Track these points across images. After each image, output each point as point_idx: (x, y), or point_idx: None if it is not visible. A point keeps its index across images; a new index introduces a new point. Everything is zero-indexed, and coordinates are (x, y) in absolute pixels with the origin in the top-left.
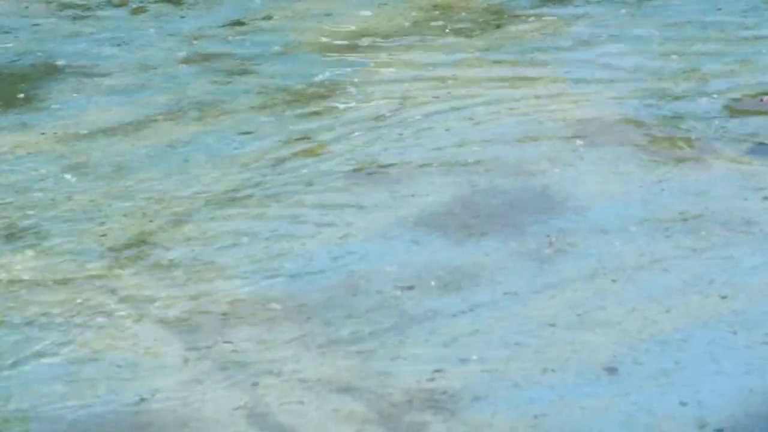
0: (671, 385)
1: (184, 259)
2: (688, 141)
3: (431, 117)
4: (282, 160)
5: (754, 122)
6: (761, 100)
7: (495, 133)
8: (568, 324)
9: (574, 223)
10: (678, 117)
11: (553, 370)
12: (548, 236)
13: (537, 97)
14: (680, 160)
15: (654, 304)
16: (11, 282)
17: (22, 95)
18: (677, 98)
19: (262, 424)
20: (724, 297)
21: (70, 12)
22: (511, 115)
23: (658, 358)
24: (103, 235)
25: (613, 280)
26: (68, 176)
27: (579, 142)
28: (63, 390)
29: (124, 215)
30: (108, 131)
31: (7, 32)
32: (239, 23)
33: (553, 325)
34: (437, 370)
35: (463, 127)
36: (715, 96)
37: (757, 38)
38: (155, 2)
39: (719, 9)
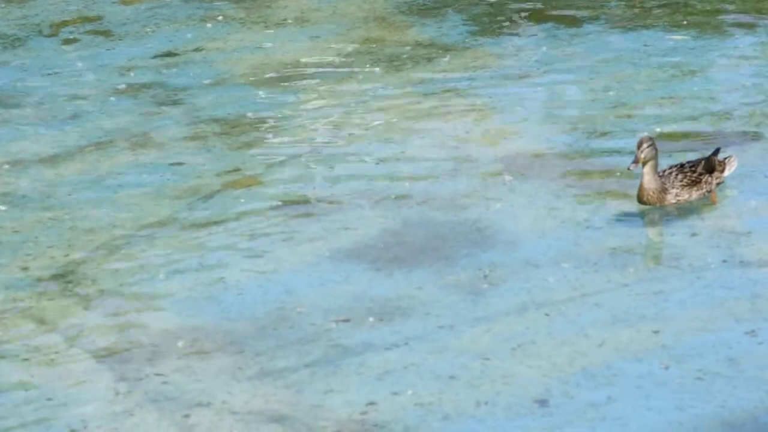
0: (601, 419)
1: (112, 289)
2: (617, 176)
3: (362, 150)
4: (213, 192)
5: (681, 157)
6: (629, 169)
7: (426, 167)
8: (500, 357)
9: (506, 256)
10: (607, 151)
11: (485, 403)
12: (481, 269)
13: (468, 130)
14: (610, 195)
15: (585, 338)
16: None
17: None
18: (606, 133)
19: None
20: (655, 332)
21: None
22: (443, 148)
23: (588, 392)
24: (30, 265)
25: (545, 314)
26: None
27: (510, 176)
28: None
29: (52, 245)
30: (37, 161)
31: None
32: (170, 54)
33: (485, 359)
34: (369, 403)
35: (394, 161)
36: (643, 131)
37: (684, 74)
38: (86, 33)
39: (647, 46)
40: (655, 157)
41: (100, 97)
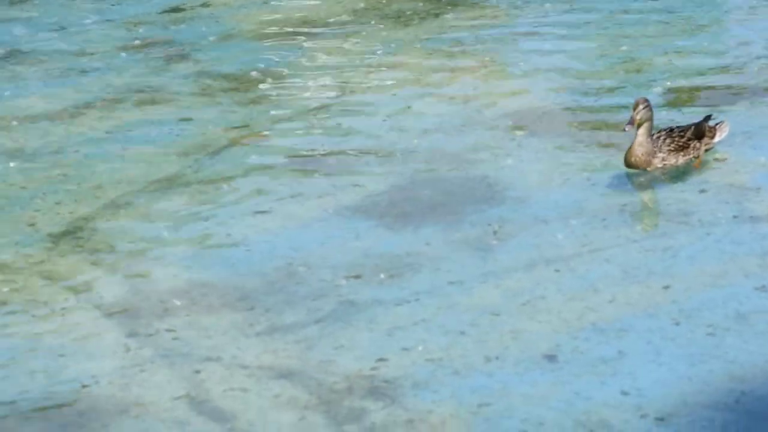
0: (611, 374)
1: (121, 245)
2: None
3: (370, 106)
4: (221, 148)
5: (691, 112)
6: (624, 130)
7: (434, 122)
8: (509, 312)
9: (515, 212)
10: (616, 107)
11: (495, 358)
12: (489, 225)
13: (476, 86)
14: (618, 151)
15: (594, 294)
16: None
17: None
18: (615, 88)
19: (203, 409)
20: (666, 287)
21: None
22: (451, 104)
23: (598, 347)
24: (39, 221)
25: (555, 270)
26: (6, 162)
27: (518, 131)
28: (2, 375)
29: (61, 202)
30: (45, 117)
31: None
32: (178, 10)
33: (494, 314)
34: (379, 359)
35: (402, 116)
36: (651, 86)
37: (693, 28)
38: None
39: (655, 0)
40: (650, 119)
41: (108, 52)
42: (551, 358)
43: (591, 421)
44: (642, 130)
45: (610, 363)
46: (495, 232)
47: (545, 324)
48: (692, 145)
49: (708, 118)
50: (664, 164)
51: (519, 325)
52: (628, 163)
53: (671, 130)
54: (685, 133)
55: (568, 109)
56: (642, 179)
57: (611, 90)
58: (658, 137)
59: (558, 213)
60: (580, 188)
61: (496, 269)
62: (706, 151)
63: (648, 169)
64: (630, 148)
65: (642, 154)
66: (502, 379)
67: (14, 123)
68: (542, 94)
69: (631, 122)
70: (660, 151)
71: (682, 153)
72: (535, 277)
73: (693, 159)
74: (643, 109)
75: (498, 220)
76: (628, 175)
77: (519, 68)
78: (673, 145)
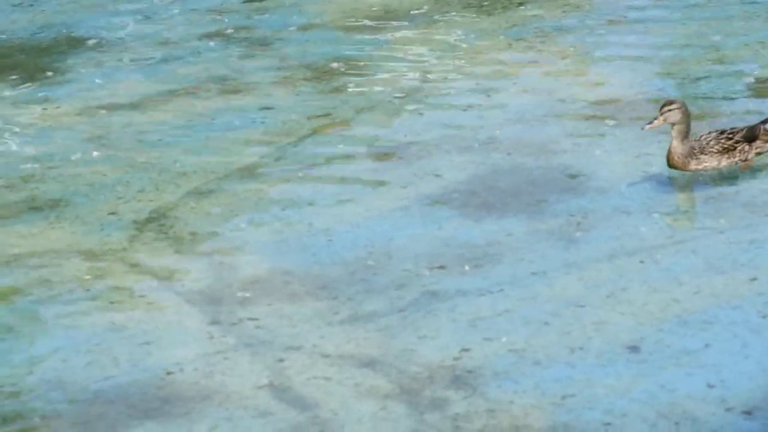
0: (696, 366)
1: (203, 233)
2: (710, 121)
3: (452, 95)
4: (302, 137)
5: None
6: (642, 129)
7: (516, 112)
8: (592, 304)
9: (597, 203)
10: (701, 97)
11: (579, 349)
12: (572, 216)
13: (558, 76)
14: None
15: (679, 285)
16: (33, 254)
17: (44, 68)
18: (700, 78)
19: (285, 398)
20: (752, 279)
21: None
22: (533, 94)
23: (682, 339)
24: (122, 209)
25: (639, 261)
26: (90, 150)
27: (601, 121)
28: (86, 361)
29: (143, 189)
30: (129, 105)
31: (30, 5)
32: None
33: (577, 305)
34: (462, 349)
35: (484, 106)
36: (737, 76)
37: None
38: None
39: None
40: (682, 122)
41: (192, 41)
42: (635, 349)
43: (675, 413)
44: (674, 133)
45: (694, 355)
46: (578, 223)
47: (629, 315)
48: (739, 148)
49: (766, 121)
50: (704, 167)
51: (602, 317)
52: (669, 164)
53: (722, 131)
54: (735, 135)
55: (651, 99)
56: (726, 171)
57: (696, 80)
58: (705, 138)
59: (640, 204)
60: (663, 179)
61: (579, 260)
62: (758, 154)
63: (686, 170)
64: (668, 149)
65: (678, 156)
66: (585, 371)
67: (100, 111)
68: (625, 84)
69: (651, 122)
70: (703, 153)
71: (726, 156)
72: (618, 268)
73: (739, 162)
74: (669, 111)
75: (580, 211)
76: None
77: (602, 58)
78: (717, 147)
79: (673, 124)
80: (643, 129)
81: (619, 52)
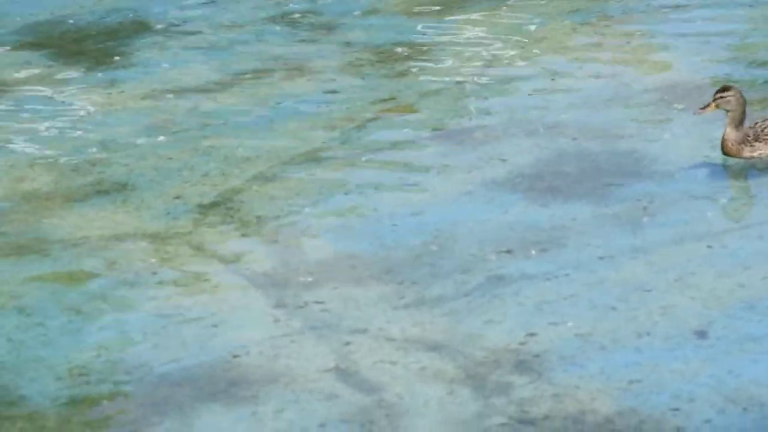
0: (763, 352)
1: (269, 217)
2: None
3: (516, 79)
4: (367, 120)
5: None
6: (693, 114)
7: (581, 96)
8: (659, 288)
9: (663, 187)
10: None
11: (647, 334)
12: (639, 200)
13: (624, 60)
14: None
15: (746, 271)
16: (100, 237)
17: (110, 53)
18: (766, 62)
19: (351, 381)
20: None
21: None
22: (598, 78)
23: (750, 325)
24: (187, 193)
25: (707, 246)
26: (155, 134)
27: (668, 105)
28: (153, 344)
29: (210, 173)
30: (194, 89)
31: None
32: None
33: (644, 290)
34: (528, 333)
35: (549, 90)
36: None
37: None
38: None
39: None
40: (736, 109)
41: (257, 25)
42: (702, 334)
43: (742, 398)
44: (728, 120)
45: (761, 341)
46: (645, 208)
47: (696, 300)
48: None
49: None
50: (759, 154)
51: (669, 301)
52: (723, 151)
53: None
54: None
55: (718, 83)
56: None
57: (763, 64)
58: (760, 125)
59: (707, 188)
60: (731, 164)
61: (646, 244)
62: None
63: (740, 157)
64: (722, 136)
65: (732, 144)
66: (652, 355)
67: (166, 95)
68: (692, 68)
69: (705, 107)
70: (757, 140)
71: None
72: (685, 252)
73: None
74: (723, 98)
75: (646, 195)
76: None
77: (668, 41)
78: None
79: (727, 111)
80: (695, 114)
81: (685, 36)
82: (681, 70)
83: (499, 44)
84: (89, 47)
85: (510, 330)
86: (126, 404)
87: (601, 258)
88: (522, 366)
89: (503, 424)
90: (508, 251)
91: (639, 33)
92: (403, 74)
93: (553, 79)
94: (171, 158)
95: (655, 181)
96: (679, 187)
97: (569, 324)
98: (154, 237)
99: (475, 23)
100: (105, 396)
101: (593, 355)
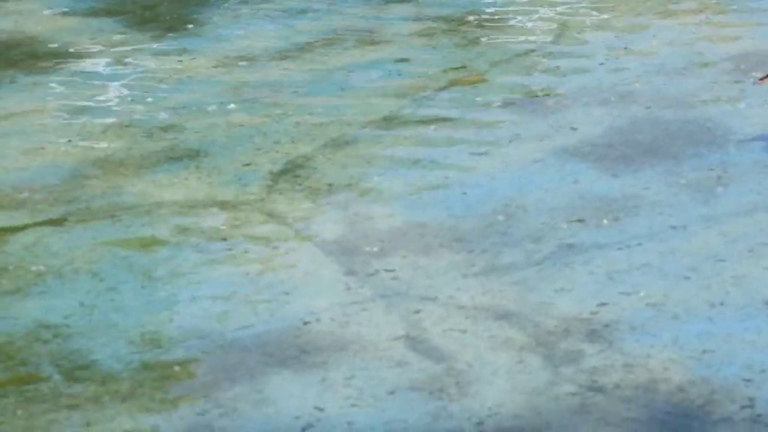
0: None
1: (339, 184)
2: None
3: (588, 47)
4: (439, 89)
5: None
6: (753, 83)
7: (654, 65)
8: (732, 258)
9: (737, 157)
10: None
11: (720, 304)
12: (712, 170)
13: (697, 28)
14: None
15: None
16: (173, 203)
17: (183, 20)
18: None
19: (421, 349)
20: None
21: None
22: (671, 46)
23: None
24: (259, 160)
25: None
26: (227, 101)
27: (743, 74)
28: (223, 309)
29: (281, 140)
30: (266, 57)
31: None
32: None
33: (717, 260)
34: (600, 303)
35: (621, 58)
36: None
37: None
38: None
39: None
40: None
41: None
42: None
43: None
44: None
45: None
46: (718, 177)
47: None
48: None
49: None
50: None
51: (742, 271)
52: None
53: None
54: None
55: None
56: None
57: None
58: None
59: None
60: None
61: (719, 214)
62: None
63: None
64: None
65: None
66: (725, 325)
67: (238, 63)
68: (767, 37)
69: (765, 77)
70: None
71: None
72: (759, 222)
73: None
74: None
75: (720, 165)
76: None
77: (743, 10)
78: None
79: None
80: (754, 83)
81: (761, 4)
82: (757, 39)
83: (570, 12)
84: (162, 15)
85: (581, 299)
86: (197, 369)
87: (673, 227)
88: (593, 335)
89: (573, 393)
90: (580, 220)
91: (714, 1)
92: (474, 42)
93: (625, 48)
94: (242, 125)
95: (729, 151)
96: (754, 156)
97: (641, 293)
98: (225, 204)
99: None
100: (176, 361)
101: (665, 324)
